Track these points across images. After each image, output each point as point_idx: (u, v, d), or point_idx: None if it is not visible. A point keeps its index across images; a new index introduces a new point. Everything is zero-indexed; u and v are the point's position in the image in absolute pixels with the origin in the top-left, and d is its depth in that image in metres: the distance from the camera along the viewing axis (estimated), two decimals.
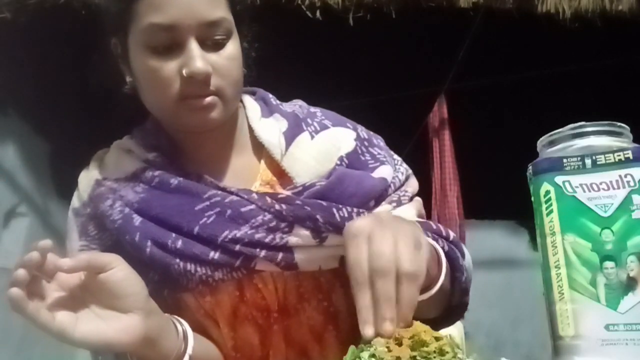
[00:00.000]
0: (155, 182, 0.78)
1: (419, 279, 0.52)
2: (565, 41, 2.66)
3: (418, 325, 0.52)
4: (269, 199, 0.76)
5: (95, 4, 0.85)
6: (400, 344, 0.50)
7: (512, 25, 2.57)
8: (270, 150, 0.81)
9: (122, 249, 0.74)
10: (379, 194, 0.80)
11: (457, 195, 3.35)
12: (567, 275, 0.55)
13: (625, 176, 0.55)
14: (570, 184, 0.56)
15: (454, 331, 0.83)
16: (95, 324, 0.60)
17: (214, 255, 0.74)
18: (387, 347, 0.49)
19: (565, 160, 0.57)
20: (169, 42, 0.73)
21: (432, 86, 3.24)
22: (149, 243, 0.74)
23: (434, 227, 0.81)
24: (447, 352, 0.49)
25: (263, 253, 0.74)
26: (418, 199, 0.86)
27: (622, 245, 0.54)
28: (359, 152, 0.84)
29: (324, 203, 0.75)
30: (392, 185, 0.83)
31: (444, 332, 0.54)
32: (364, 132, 0.88)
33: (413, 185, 0.87)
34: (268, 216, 0.75)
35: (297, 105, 0.89)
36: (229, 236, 0.74)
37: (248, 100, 0.88)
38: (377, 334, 0.49)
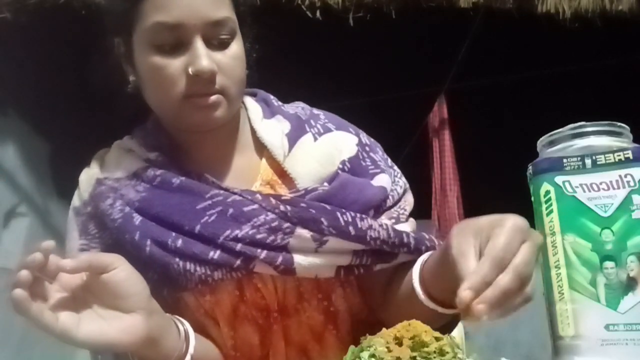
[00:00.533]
0: (157, 182, 0.78)
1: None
2: (565, 41, 2.66)
3: (418, 326, 0.52)
4: (273, 200, 0.76)
5: (97, 3, 0.85)
6: (400, 344, 0.50)
7: (512, 25, 2.57)
8: (273, 151, 0.81)
9: (123, 248, 0.74)
10: (379, 204, 0.81)
11: (457, 195, 3.34)
12: (567, 275, 0.55)
13: (625, 176, 0.55)
14: (570, 184, 0.57)
15: (454, 331, 0.83)
16: (97, 325, 0.60)
17: (214, 255, 0.74)
18: (387, 347, 0.49)
19: (565, 160, 0.57)
20: (175, 41, 0.73)
21: (432, 86, 3.24)
22: (148, 242, 0.74)
23: (437, 243, 0.82)
24: (447, 353, 0.49)
25: (263, 255, 0.74)
26: (413, 220, 0.86)
27: (622, 245, 0.54)
28: (360, 157, 0.84)
29: (328, 207, 0.75)
30: (390, 197, 0.83)
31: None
32: (365, 137, 0.88)
33: (410, 202, 0.88)
34: (271, 216, 0.75)
35: (299, 107, 0.89)
36: (230, 235, 0.74)
37: (249, 101, 0.88)
38: (468, 308, 0.50)
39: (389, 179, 0.84)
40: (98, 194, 0.80)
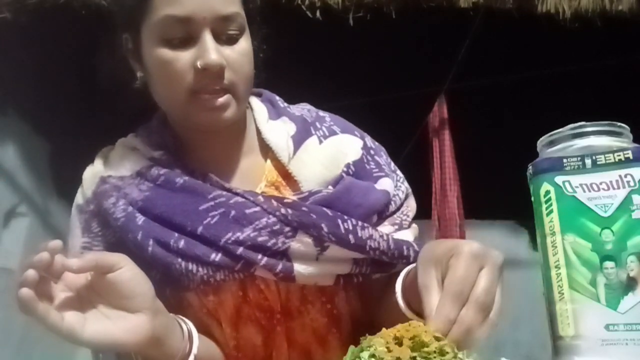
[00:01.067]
0: (161, 181, 0.78)
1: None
2: (565, 41, 2.66)
3: (418, 326, 0.52)
4: (274, 202, 0.76)
5: (96, 3, 0.85)
6: (400, 344, 0.50)
7: (512, 25, 2.57)
8: (278, 153, 0.81)
9: (125, 247, 0.74)
10: (382, 208, 0.81)
11: (457, 195, 3.34)
12: (567, 275, 0.55)
13: (625, 176, 0.55)
14: (570, 184, 0.56)
15: None
16: (103, 324, 0.60)
17: (215, 257, 0.74)
18: (387, 347, 0.49)
19: (565, 160, 0.57)
20: (184, 35, 0.73)
21: (432, 86, 3.24)
22: (151, 242, 0.74)
23: None
24: (447, 353, 0.49)
25: (264, 261, 0.73)
26: (415, 226, 0.86)
27: (622, 245, 0.54)
28: (365, 160, 0.84)
29: (330, 212, 0.75)
30: (393, 202, 0.83)
31: None
32: (370, 141, 0.88)
33: (413, 207, 0.87)
34: (272, 219, 0.74)
35: (305, 109, 0.89)
36: (232, 238, 0.73)
37: (255, 101, 0.88)
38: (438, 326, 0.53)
39: (391, 183, 0.84)
40: (101, 192, 0.80)
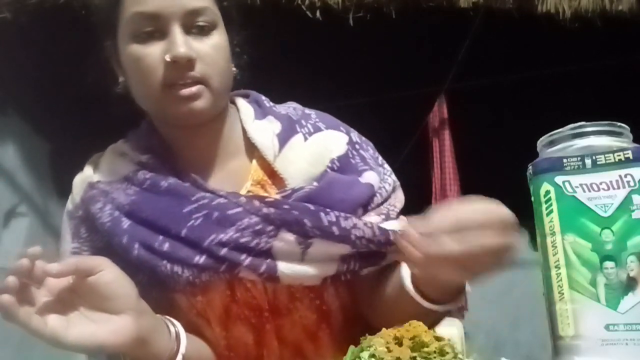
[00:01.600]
0: (147, 184, 0.79)
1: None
2: (565, 41, 2.66)
3: (418, 326, 0.52)
4: (256, 203, 0.76)
5: (90, 7, 0.86)
6: (400, 344, 0.50)
7: (512, 25, 2.57)
8: (263, 151, 0.81)
9: (112, 251, 0.74)
10: (366, 201, 0.81)
11: (457, 195, 3.34)
12: (567, 275, 0.55)
13: (625, 176, 0.55)
14: (570, 184, 0.57)
15: (454, 331, 0.83)
16: (87, 327, 0.60)
17: (199, 259, 0.74)
18: (387, 347, 0.49)
19: (565, 160, 0.57)
20: (153, 30, 0.74)
21: (432, 86, 3.24)
22: (136, 245, 0.75)
23: None
24: (448, 353, 0.49)
25: (247, 261, 0.74)
26: (404, 218, 0.85)
27: (622, 245, 0.54)
28: (350, 155, 0.84)
29: (312, 207, 0.75)
30: (378, 194, 0.82)
31: (444, 332, 0.54)
32: (356, 136, 0.88)
33: (401, 199, 0.87)
34: (255, 219, 0.75)
35: (291, 108, 0.89)
36: (215, 240, 0.74)
37: (241, 102, 0.88)
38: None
39: (377, 176, 0.83)
40: (89, 198, 0.80)
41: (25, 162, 3.28)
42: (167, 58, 0.73)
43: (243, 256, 0.74)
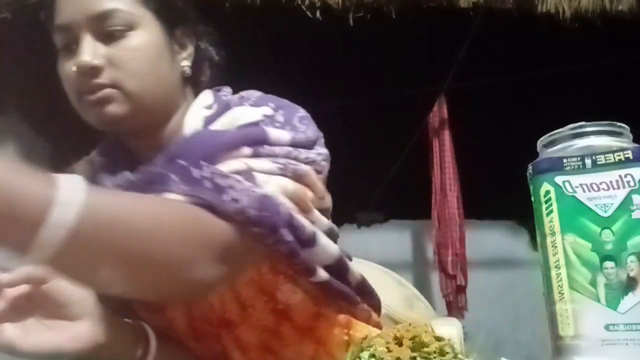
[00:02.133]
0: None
1: None
2: (565, 41, 2.66)
3: (418, 326, 0.52)
4: (127, 174, 0.73)
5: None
6: (400, 344, 0.50)
7: (512, 25, 2.57)
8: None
9: None
10: (248, 141, 0.71)
11: (457, 195, 3.35)
12: (567, 275, 0.55)
13: (625, 176, 0.55)
14: (570, 184, 0.57)
15: (453, 331, 0.83)
16: (43, 335, 0.60)
17: None
18: (387, 347, 0.49)
19: (565, 160, 0.57)
20: (69, 42, 0.73)
21: (432, 86, 3.24)
22: None
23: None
24: (448, 353, 0.49)
25: None
26: (302, 187, 0.73)
27: (622, 245, 0.54)
28: (259, 122, 0.75)
29: (183, 162, 0.67)
30: (273, 136, 0.72)
31: (443, 332, 0.55)
32: (285, 116, 0.77)
33: (320, 164, 0.76)
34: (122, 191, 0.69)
35: (252, 97, 0.81)
36: None
37: (201, 100, 0.82)
38: None
39: (259, 110, 0.75)
40: None
41: (25, 162, 3.28)
42: (73, 69, 0.72)
43: None
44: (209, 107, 0.78)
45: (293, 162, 0.72)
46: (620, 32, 2.59)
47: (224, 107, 0.78)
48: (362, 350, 0.51)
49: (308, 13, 2.43)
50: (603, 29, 2.55)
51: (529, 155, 0.62)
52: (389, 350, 0.49)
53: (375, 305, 0.84)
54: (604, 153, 0.56)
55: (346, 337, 0.76)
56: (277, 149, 0.72)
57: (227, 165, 0.68)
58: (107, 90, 0.72)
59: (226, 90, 0.84)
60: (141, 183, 0.68)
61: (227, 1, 2.26)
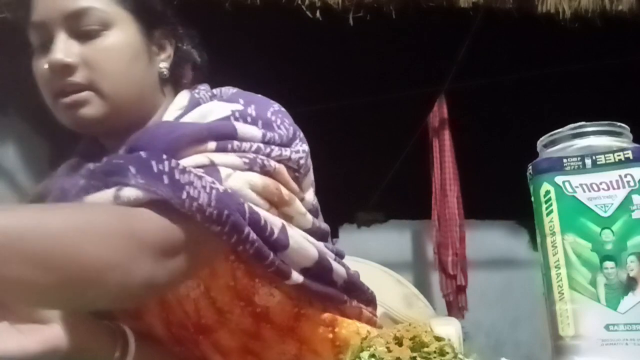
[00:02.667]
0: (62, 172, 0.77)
1: None
2: (565, 41, 2.66)
3: (418, 326, 0.52)
4: (91, 165, 0.70)
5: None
6: (400, 344, 0.50)
7: (512, 25, 2.57)
8: None
9: None
10: (208, 136, 0.68)
11: (457, 195, 3.35)
12: (567, 275, 0.55)
13: (625, 176, 0.55)
14: (570, 184, 0.57)
15: (453, 331, 0.83)
16: (15, 339, 0.58)
17: None
18: (387, 347, 0.49)
19: (565, 160, 0.57)
20: (43, 40, 0.72)
21: (432, 86, 3.24)
22: None
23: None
24: (448, 353, 0.49)
25: None
26: (274, 183, 0.70)
27: (622, 245, 0.54)
28: (230, 119, 0.72)
29: (143, 155, 0.64)
30: (242, 132, 0.70)
31: (443, 332, 0.55)
32: (257, 110, 0.74)
33: (300, 151, 0.74)
34: (81, 181, 0.67)
35: (214, 90, 0.82)
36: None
37: (180, 97, 0.80)
38: None
39: (229, 105, 0.73)
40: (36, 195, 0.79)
41: (25, 162, 3.28)
42: (45, 67, 0.71)
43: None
44: (182, 108, 0.77)
45: (262, 157, 0.69)
46: (620, 32, 2.60)
47: (194, 104, 0.76)
48: (362, 350, 0.50)
49: (308, 13, 2.43)
50: (603, 29, 2.55)
51: (529, 155, 0.62)
52: (389, 350, 0.49)
53: (368, 299, 0.83)
54: (604, 153, 0.56)
55: (331, 335, 0.75)
56: (245, 145, 0.69)
57: (190, 160, 0.66)
58: (83, 94, 0.71)
59: (201, 88, 0.82)
60: (99, 174, 0.65)
61: (227, 1, 2.26)
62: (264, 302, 0.72)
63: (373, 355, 0.49)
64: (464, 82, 3.06)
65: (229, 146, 0.68)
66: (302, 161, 0.75)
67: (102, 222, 0.57)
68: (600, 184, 0.56)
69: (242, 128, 0.70)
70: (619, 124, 0.59)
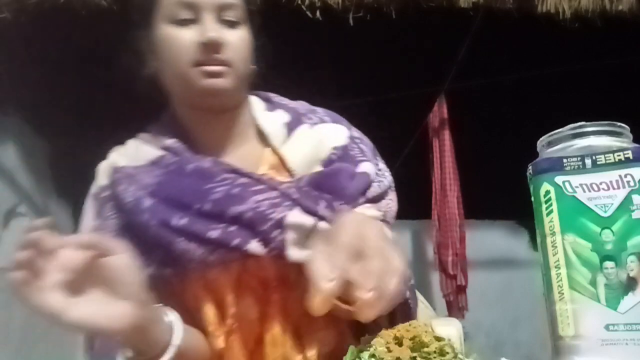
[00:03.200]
0: (173, 167, 0.85)
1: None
2: (565, 41, 2.66)
3: (418, 326, 0.52)
4: (277, 180, 0.83)
5: (96, 3, 0.91)
6: (400, 344, 0.50)
7: (512, 25, 2.57)
8: (272, 139, 0.89)
9: (132, 230, 0.80)
10: (363, 191, 0.86)
11: (457, 195, 3.35)
12: (567, 275, 0.55)
13: (625, 176, 0.55)
14: (570, 184, 0.57)
15: (453, 331, 0.83)
16: (88, 308, 0.60)
17: (213, 234, 0.78)
18: (387, 347, 0.49)
19: (565, 160, 0.57)
20: (189, 16, 0.83)
21: (432, 86, 3.24)
22: (154, 222, 0.79)
23: None
24: (448, 353, 0.49)
25: (259, 236, 0.78)
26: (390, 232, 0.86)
27: (622, 245, 0.54)
28: (349, 147, 0.90)
29: (326, 194, 0.81)
30: (377, 185, 0.88)
31: (443, 332, 0.55)
32: (357, 132, 0.96)
33: (394, 202, 0.92)
34: (274, 193, 0.80)
35: (299, 103, 0.97)
36: (233, 212, 0.78)
37: (252, 97, 0.95)
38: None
39: (372, 166, 0.89)
40: (115, 180, 0.86)
41: (25, 162, 3.28)
42: (200, 40, 0.81)
43: (256, 230, 0.78)
44: (270, 110, 0.93)
45: (387, 208, 0.88)
46: (620, 32, 2.59)
47: (296, 116, 0.92)
48: (362, 350, 0.50)
49: (308, 13, 2.43)
50: (603, 29, 2.55)
51: (529, 155, 0.62)
52: (389, 350, 0.49)
53: None
54: (604, 153, 0.56)
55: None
56: (381, 202, 0.88)
57: (366, 211, 0.84)
58: (225, 67, 0.83)
59: (266, 94, 0.97)
60: (293, 195, 0.80)
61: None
62: None
63: (373, 355, 0.49)
64: (464, 82, 3.06)
65: (369, 198, 0.86)
66: (391, 212, 0.92)
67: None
68: (600, 184, 0.56)
69: (378, 188, 0.88)
70: (619, 124, 0.59)
